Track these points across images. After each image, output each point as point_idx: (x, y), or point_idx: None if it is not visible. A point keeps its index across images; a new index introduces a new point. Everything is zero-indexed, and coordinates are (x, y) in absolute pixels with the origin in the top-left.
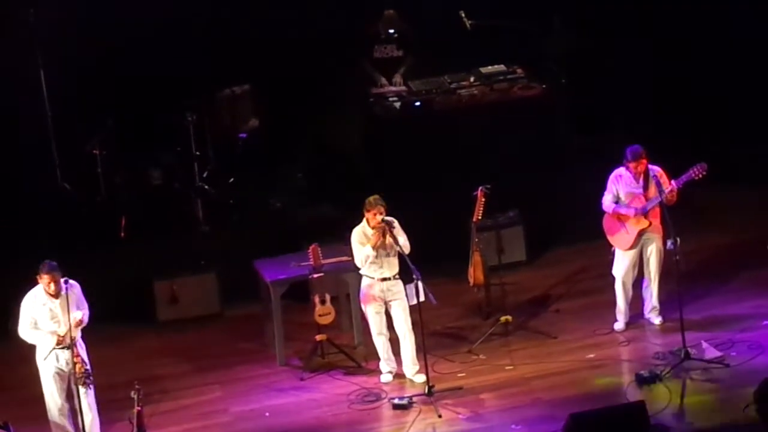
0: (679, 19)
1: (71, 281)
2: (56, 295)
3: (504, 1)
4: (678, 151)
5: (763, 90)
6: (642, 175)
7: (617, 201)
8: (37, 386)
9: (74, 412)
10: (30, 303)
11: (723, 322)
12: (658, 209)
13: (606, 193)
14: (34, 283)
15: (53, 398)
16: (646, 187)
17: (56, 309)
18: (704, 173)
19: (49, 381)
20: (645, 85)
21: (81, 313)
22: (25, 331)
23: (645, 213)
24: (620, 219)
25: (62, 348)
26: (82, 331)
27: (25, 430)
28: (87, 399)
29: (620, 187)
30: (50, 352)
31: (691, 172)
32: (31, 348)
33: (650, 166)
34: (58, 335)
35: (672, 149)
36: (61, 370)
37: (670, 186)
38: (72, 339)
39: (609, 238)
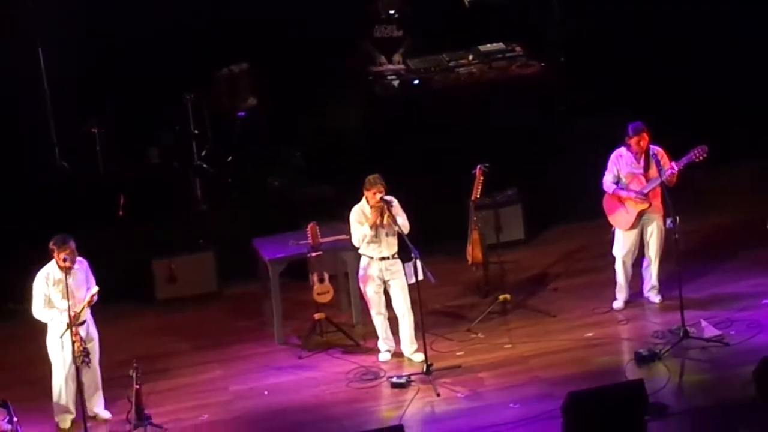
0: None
1: (80, 258)
2: (69, 270)
3: None
4: (678, 132)
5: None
6: (643, 155)
7: (618, 181)
8: (37, 366)
9: (80, 391)
10: (42, 280)
11: (722, 301)
12: (658, 190)
13: (606, 172)
14: (35, 261)
15: (61, 375)
16: (647, 168)
17: (70, 285)
18: (705, 155)
19: (59, 358)
20: (645, 66)
21: (97, 288)
22: (38, 309)
23: (645, 195)
24: (620, 199)
25: (75, 325)
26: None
27: (25, 410)
28: (88, 376)
29: (621, 166)
30: (66, 330)
31: (692, 154)
32: (34, 327)
33: (651, 146)
34: (75, 312)
35: (672, 131)
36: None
37: (670, 167)
38: (82, 316)
39: (609, 218)
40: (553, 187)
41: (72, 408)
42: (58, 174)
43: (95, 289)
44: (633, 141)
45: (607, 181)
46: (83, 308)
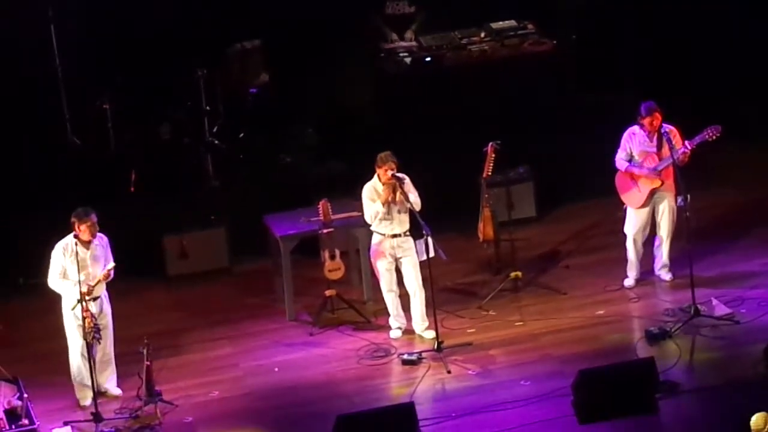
0: None
1: (100, 233)
2: (88, 244)
3: None
4: (689, 111)
5: None
6: (656, 134)
7: (630, 159)
8: (50, 341)
9: (91, 367)
10: (60, 252)
11: (733, 279)
12: (671, 169)
13: (619, 150)
14: (45, 236)
15: (76, 350)
16: (659, 147)
17: (87, 259)
18: (718, 135)
19: (74, 333)
20: (658, 44)
21: (113, 264)
22: (54, 280)
23: (658, 172)
24: (632, 177)
25: (89, 299)
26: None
27: (36, 385)
28: (99, 352)
29: (634, 145)
30: (78, 302)
31: (705, 133)
32: (46, 302)
33: (664, 125)
34: (89, 285)
35: (683, 109)
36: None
37: (682, 146)
38: (97, 291)
39: (621, 195)
40: (565, 164)
41: (90, 384)
42: (69, 149)
43: (111, 264)
44: (646, 121)
45: (620, 158)
46: (98, 282)
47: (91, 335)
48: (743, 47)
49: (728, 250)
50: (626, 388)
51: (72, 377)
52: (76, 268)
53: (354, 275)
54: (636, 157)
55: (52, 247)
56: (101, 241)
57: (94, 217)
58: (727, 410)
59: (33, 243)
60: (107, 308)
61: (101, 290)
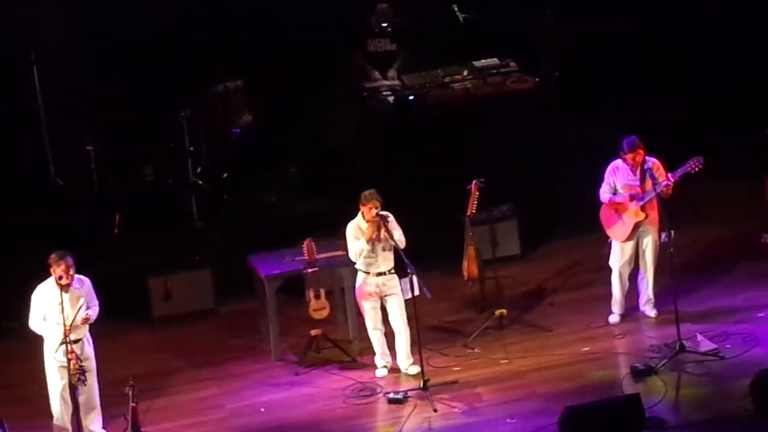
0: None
1: (82, 277)
2: (67, 288)
3: None
4: (673, 143)
5: (757, 80)
6: (639, 167)
7: (615, 192)
8: (34, 384)
9: (75, 410)
10: (41, 295)
11: (718, 314)
12: (655, 202)
13: (603, 184)
14: (28, 279)
15: (56, 392)
16: (643, 180)
17: (66, 303)
18: (701, 166)
19: (54, 375)
20: (640, 76)
21: (88, 313)
22: (35, 323)
23: (642, 201)
24: (617, 210)
25: (69, 342)
26: (90, 326)
27: (22, 428)
28: (83, 396)
29: (617, 179)
30: (60, 344)
31: (688, 165)
32: (29, 344)
33: (647, 158)
34: (66, 328)
35: (667, 142)
36: (65, 364)
37: (665, 179)
38: (75, 335)
39: (606, 229)
40: (548, 201)
41: (69, 427)
42: (53, 191)
43: (85, 312)
44: (628, 156)
45: (604, 192)
46: (72, 323)
47: (76, 377)
48: (733, 79)
49: (713, 285)
50: (612, 424)
51: (54, 420)
52: (56, 311)
53: (339, 314)
54: (620, 191)
55: (34, 290)
56: (82, 283)
57: (69, 260)
58: None
59: (15, 286)
60: (89, 351)
61: (83, 333)
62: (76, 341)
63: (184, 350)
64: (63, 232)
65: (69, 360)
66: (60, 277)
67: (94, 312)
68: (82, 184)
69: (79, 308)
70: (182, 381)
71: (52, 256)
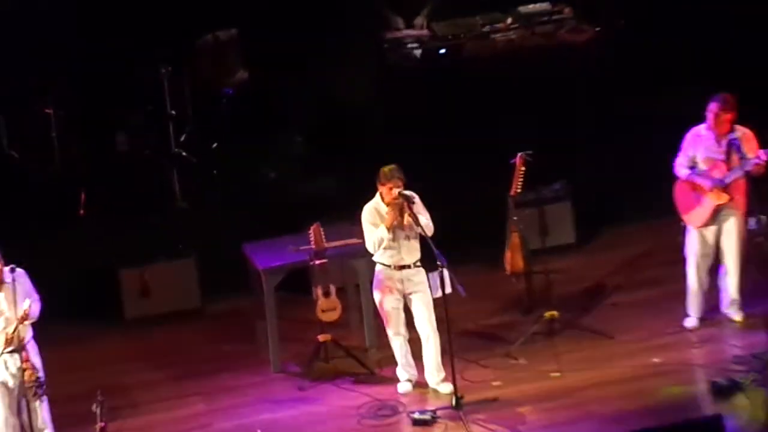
0: None
1: (18, 269)
2: (0, 285)
3: None
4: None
5: None
6: (725, 137)
7: (693, 165)
8: None
9: (25, 430)
10: None
11: None
12: (741, 182)
13: (680, 155)
14: None
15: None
16: (729, 153)
17: (1, 303)
18: None
19: None
20: (735, 35)
21: (28, 302)
22: None
23: (725, 186)
24: (695, 189)
25: (10, 352)
26: (34, 330)
27: None
28: (41, 413)
29: (698, 149)
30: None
31: None
32: None
33: (736, 128)
34: (7, 334)
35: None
36: (8, 379)
37: (756, 156)
38: (21, 339)
39: (680, 211)
40: (609, 178)
41: None
42: (5, 165)
43: (27, 303)
44: (712, 116)
45: (680, 164)
46: (15, 329)
47: (33, 390)
48: None
49: None
50: None
51: None
52: None
53: (353, 316)
54: (701, 164)
55: None
56: (16, 277)
57: None
58: None
59: None
60: (36, 360)
61: (25, 333)
62: (18, 350)
63: (165, 359)
64: (17, 214)
65: (24, 370)
66: None
67: (34, 308)
68: (41, 155)
69: (27, 310)
70: (161, 396)
71: None
